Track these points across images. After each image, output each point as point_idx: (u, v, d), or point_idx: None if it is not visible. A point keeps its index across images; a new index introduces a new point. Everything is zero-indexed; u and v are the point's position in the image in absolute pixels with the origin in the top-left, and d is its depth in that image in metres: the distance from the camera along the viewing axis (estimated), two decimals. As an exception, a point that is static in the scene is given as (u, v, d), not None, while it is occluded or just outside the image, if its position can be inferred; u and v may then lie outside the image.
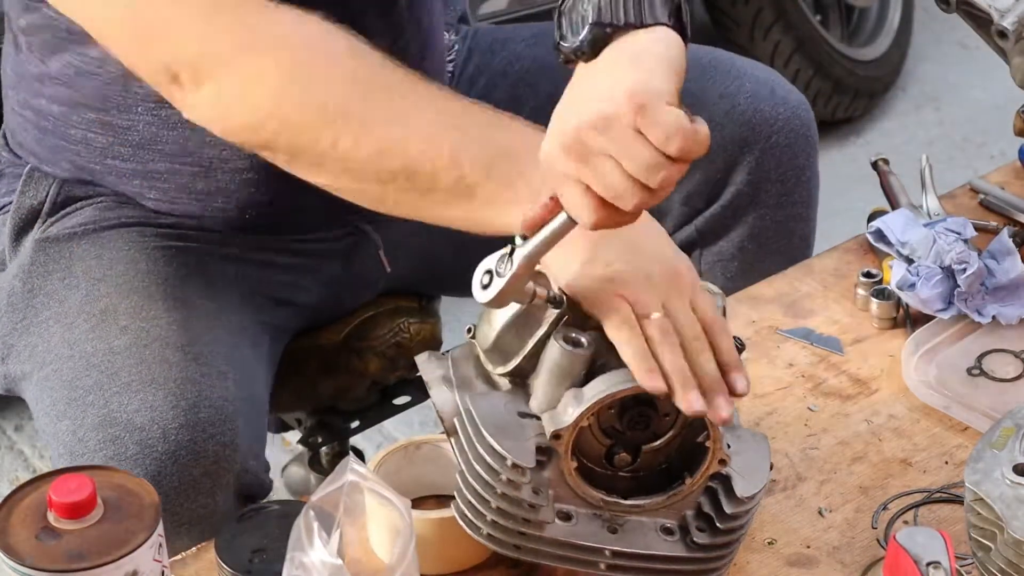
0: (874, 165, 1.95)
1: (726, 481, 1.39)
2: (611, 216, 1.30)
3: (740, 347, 1.41)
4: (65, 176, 1.74)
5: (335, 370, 1.90)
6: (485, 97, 1.87)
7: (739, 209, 1.85)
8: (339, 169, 1.45)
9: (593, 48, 1.34)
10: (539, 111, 1.86)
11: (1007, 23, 1.72)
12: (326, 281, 1.82)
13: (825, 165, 3.59)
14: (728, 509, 1.38)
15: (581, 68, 1.36)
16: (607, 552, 1.39)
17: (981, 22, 1.76)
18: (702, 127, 1.29)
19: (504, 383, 1.40)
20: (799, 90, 3.76)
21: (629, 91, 1.28)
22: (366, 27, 1.59)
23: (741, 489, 1.38)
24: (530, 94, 1.89)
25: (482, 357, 1.42)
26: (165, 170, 1.70)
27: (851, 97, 3.71)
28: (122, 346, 1.59)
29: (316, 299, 1.83)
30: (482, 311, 1.42)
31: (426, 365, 1.43)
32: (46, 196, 1.74)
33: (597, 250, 1.37)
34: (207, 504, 1.54)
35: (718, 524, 1.39)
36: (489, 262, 1.36)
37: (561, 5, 1.38)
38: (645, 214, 1.35)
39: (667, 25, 1.35)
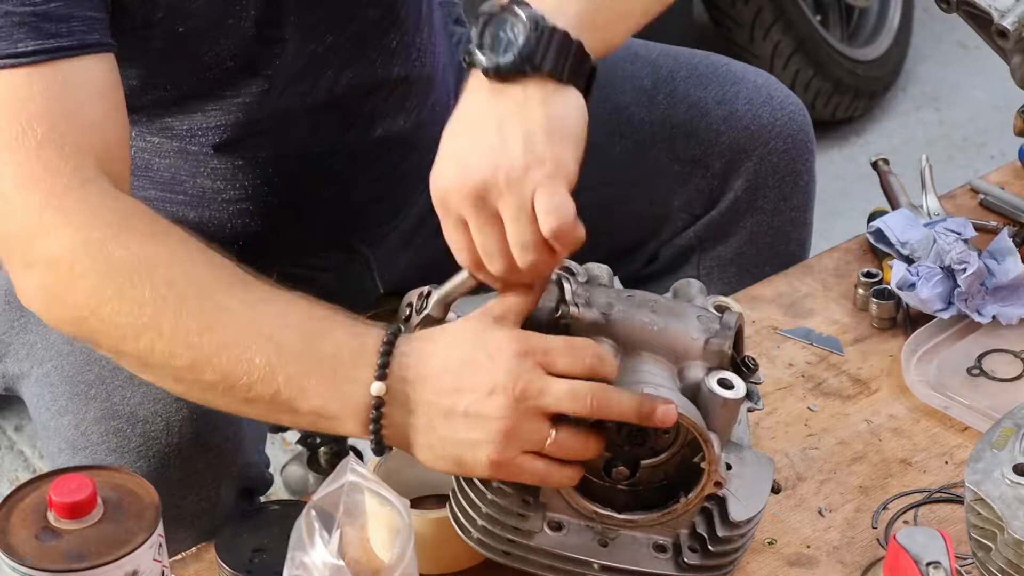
0: (874, 165, 1.95)
1: (722, 503, 1.37)
2: (483, 268, 1.32)
3: (754, 367, 1.40)
4: None
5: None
6: None
7: (737, 215, 1.84)
8: (162, 374, 1.39)
9: (505, 77, 1.31)
10: None
11: (1007, 23, 1.72)
12: (320, 295, 1.82)
13: (825, 165, 3.61)
14: (721, 532, 1.37)
15: (486, 92, 1.32)
16: (596, 565, 1.38)
17: (981, 22, 1.76)
18: (580, 230, 1.30)
19: None
20: (799, 91, 3.77)
21: (538, 160, 1.28)
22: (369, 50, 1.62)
23: (735, 513, 1.37)
24: None
25: None
26: (156, 198, 1.69)
27: (851, 97, 3.70)
28: None
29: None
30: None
31: None
32: None
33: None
34: (210, 497, 1.54)
35: (710, 547, 1.38)
36: (411, 296, 1.38)
37: (485, 6, 1.34)
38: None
39: (580, 90, 1.34)
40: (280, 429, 2.12)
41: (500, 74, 1.31)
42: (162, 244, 1.38)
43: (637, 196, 1.83)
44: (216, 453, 1.53)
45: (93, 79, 1.43)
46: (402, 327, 1.37)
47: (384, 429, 1.33)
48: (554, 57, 1.31)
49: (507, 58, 1.31)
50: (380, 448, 1.34)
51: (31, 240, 1.39)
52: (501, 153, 1.29)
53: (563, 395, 1.30)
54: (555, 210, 1.28)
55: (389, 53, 1.70)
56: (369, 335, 1.35)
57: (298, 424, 1.39)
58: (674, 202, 1.83)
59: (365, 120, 1.71)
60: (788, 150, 1.84)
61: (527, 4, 1.32)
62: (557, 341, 1.32)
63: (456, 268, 1.38)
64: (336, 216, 1.76)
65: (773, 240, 1.87)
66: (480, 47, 1.32)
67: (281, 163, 1.69)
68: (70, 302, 1.38)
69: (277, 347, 1.33)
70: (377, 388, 1.32)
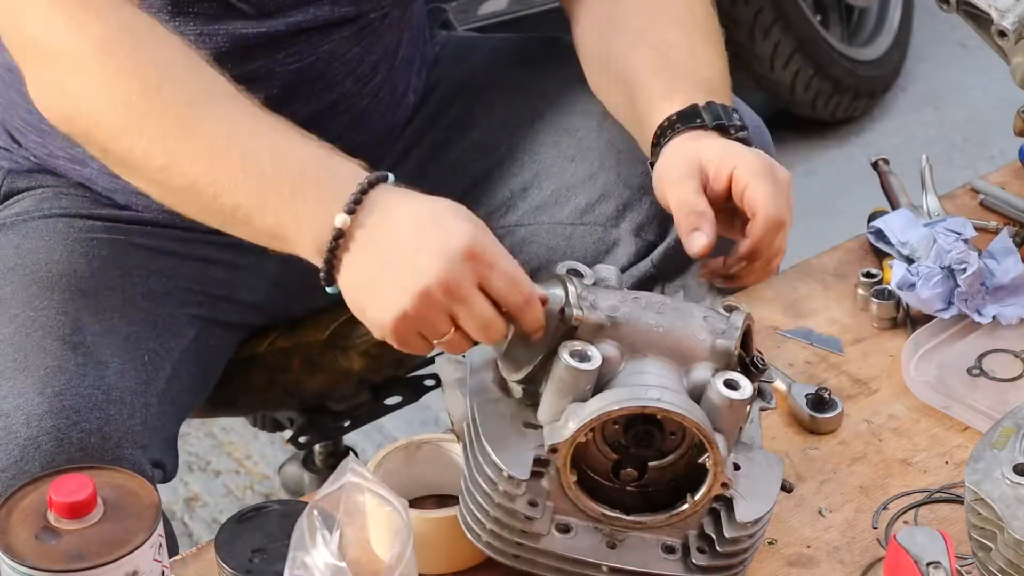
0: (874, 165, 1.95)
1: (729, 504, 1.37)
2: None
3: (763, 367, 1.40)
4: (14, 166, 1.75)
5: (319, 368, 1.90)
6: (440, 111, 1.87)
7: None
8: (140, 176, 1.47)
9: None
10: (489, 133, 1.86)
11: (1007, 23, 1.72)
12: (268, 280, 1.82)
13: (825, 165, 3.62)
14: (728, 533, 1.37)
15: None
16: (604, 567, 1.38)
17: (981, 22, 1.76)
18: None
19: (518, 390, 1.40)
20: (799, 91, 3.77)
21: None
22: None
23: (743, 513, 1.37)
24: (483, 113, 1.88)
25: (499, 363, 1.42)
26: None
27: (851, 97, 3.70)
28: (6, 335, 1.59)
29: (262, 298, 1.82)
30: None
31: (444, 367, 1.44)
32: None
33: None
34: None
35: (718, 547, 1.38)
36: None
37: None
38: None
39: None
40: (277, 428, 2.12)
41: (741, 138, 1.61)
42: (158, 50, 1.45)
43: (589, 219, 1.80)
44: (78, 448, 1.52)
45: None
46: (390, 176, 1.42)
47: (335, 261, 1.40)
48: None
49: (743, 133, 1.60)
50: (329, 279, 1.41)
51: (39, 38, 1.48)
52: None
53: (476, 320, 1.37)
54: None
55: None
56: (342, 166, 1.42)
57: (257, 240, 1.45)
58: (625, 226, 1.79)
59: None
60: None
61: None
62: (504, 263, 1.37)
63: None
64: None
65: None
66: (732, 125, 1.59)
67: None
68: (66, 97, 1.47)
69: (244, 161, 1.41)
70: (341, 220, 1.38)
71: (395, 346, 1.41)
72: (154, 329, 1.68)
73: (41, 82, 1.50)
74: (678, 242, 1.72)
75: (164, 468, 1.63)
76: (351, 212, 1.39)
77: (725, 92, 1.64)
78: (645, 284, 1.78)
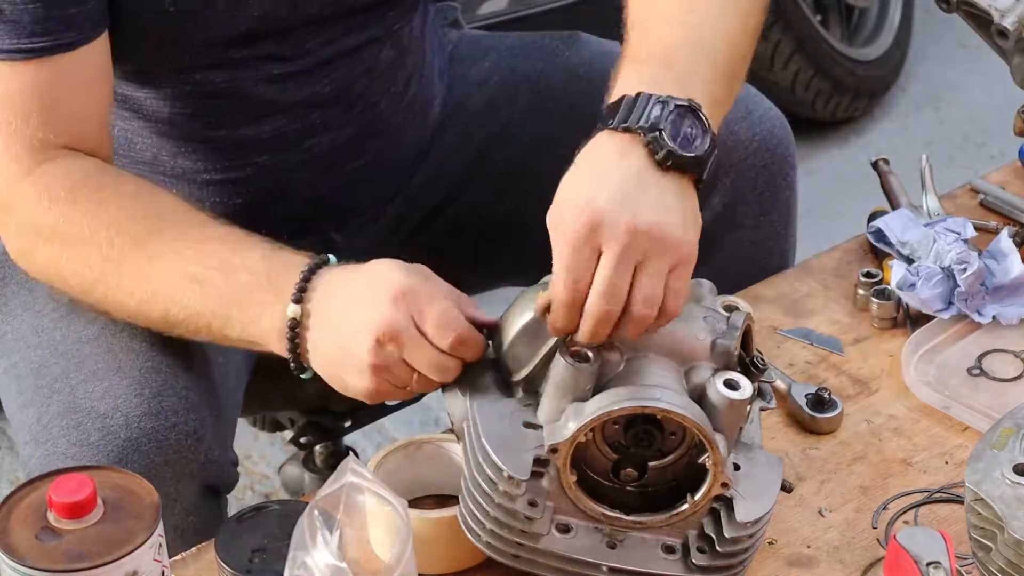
0: (874, 165, 1.95)
1: (729, 504, 1.37)
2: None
3: (763, 367, 1.40)
4: None
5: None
6: (459, 107, 1.87)
7: (717, 232, 1.80)
8: (119, 315, 1.57)
9: (673, 166, 1.39)
10: (513, 124, 1.86)
11: (1007, 23, 1.72)
12: None
13: (825, 165, 3.62)
14: (728, 533, 1.37)
15: (649, 167, 1.37)
16: (604, 567, 1.38)
17: (981, 22, 1.76)
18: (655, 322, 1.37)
19: (518, 391, 1.40)
20: (799, 91, 3.77)
21: (687, 241, 1.39)
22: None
23: (743, 513, 1.37)
24: (506, 105, 1.88)
25: (500, 363, 1.42)
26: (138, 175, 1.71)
27: (851, 97, 3.70)
28: (90, 335, 1.60)
29: None
30: (500, 319, 1.42)
31: None
32: None
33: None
34: (168, 493, 1.54)
35: (718, 547, 1.38)
36: None
37: (665, 87, 1.40)
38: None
39: None
40: (278, 428, 2.12)
41: (673, 160, 1.38)
42: (106, 209, 1.54)
43: None
44: (175, 449, 1.54)
45: (74, 73, 1.55)
46: (331, 258, 1.50)
47: (300, 349, 1.48)
48: (711, 167, 1.42)
49: (688, 155, 1.39)
50: (299, 367, 1.49)
51: (4, 214, 1.58)
52: (662, 213, 1.36)
53: (426, 363, 1.42)
54: (675, 294, 1.36)
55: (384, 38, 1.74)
56: (286, 262, 1.50)
57: (240, 346, 1.55)
58: None
59: (347, 107, 1.75)
60: (767, 165, 1.81)
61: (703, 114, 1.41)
62: (435, 306, 1.41)
63: None
64: (312, 200, 1.78)
65: (755, 255, 1.85)
66: (659, 131, 1.38)
67: (260, 146, 1.73)
68: (36, 266, 1.59)
69: (201, 286, 1.51)
70: (292, 310, 1.47)
71: (386, 402, 1.48)
72: None
73: (12, 251, 1.61)
74: (702, 232, 1.71)
75: (237, 466, 1.67)
76: (298, 301, 1.47)
77: (695, 61, 1.48)
78: None
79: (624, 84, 1.44)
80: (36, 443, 1.56)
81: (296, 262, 1.50)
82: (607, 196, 1.35)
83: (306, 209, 1.79)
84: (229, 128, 1.71)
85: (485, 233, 1.89)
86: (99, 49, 1.57)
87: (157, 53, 1.65)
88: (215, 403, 1.62)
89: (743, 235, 1.83)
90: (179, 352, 1.60)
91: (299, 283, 1.47)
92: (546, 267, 1.39)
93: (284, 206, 1.77)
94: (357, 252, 1.82)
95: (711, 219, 1.81)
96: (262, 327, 1.49)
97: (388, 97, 1.78)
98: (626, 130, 1.39)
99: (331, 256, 1.51)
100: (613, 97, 1.43)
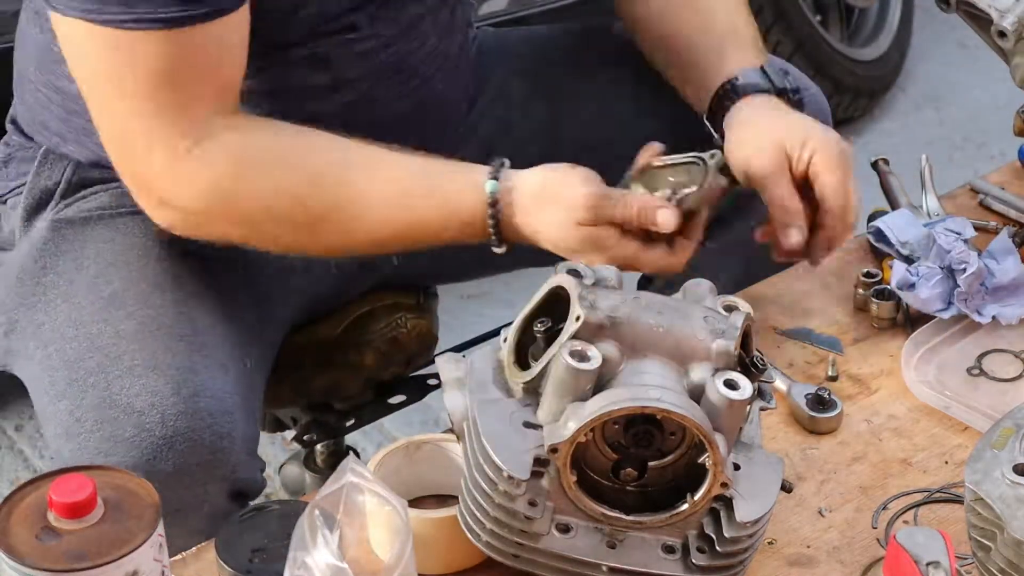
0: (874, 165, 1.95)
1: (729, 504, 1.37)
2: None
3: (763, 367, 1.40)
4: (82, 159, 1.75)
5: (331, 364, 1.91)
6: (498, 102, 1.89)
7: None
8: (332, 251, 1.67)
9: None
10: (554, 75, 1.89)
11: (1007, 23, 1.72)
12: (330, 266, 1.83)
13: (825, 165, 3.61)
14: (728, 533, 1.37)
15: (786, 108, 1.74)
16: (604, 567, 1.38)
17: (981, 22, 1.76)
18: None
19: (518, 391, 1.40)
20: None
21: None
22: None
23: (742, 513, 1.37)
24: (542, 96, 1.91)
25: (505, 363, 1.42)
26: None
27: (851, 97, 3.70)
28: (128, 331, 1.60)
29: (321, 287, 1.84)
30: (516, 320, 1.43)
31: (445, 366, 1.44)
32: (61, 177, 1.76)
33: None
34: (198, 494, 1.55)
35: (718, 547, 1.38)
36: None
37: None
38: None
39: None
40: (279, 428, 2.12)
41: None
42: (279, 176, 1.59)
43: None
44: (209, 450, 1.54)
45: (221, 39, 1.56)
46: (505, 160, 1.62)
47: (502, 224, 1.58)
48: None
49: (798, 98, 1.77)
50: (500, 240, 1.60)
51: (162, 187, 1.59)
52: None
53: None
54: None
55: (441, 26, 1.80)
56: (463, 164, 1.62)
57: (439, 227, 1.61)
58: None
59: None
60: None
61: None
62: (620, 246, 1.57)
63: None
64: None
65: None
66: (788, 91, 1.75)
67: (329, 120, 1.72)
68: (204, 234, 1.62)
69: (406, 198, 1.59)
70: (492, 186, 1.58)
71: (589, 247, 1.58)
72: (244, 334, 1.70)
73: (169, 222, 1.62)
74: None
75: (264, 470, 1.67)
76: (495, 178, 1.58)
77: (764, 50, 1.79)
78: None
79: (740, 61, 1.75)
80: (68, 436, 1.56)
81: (471, 164, 1.62)
82: (815, 127, 1.68)
83: None
84: (297, 102, 1.71)
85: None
86: (244, 15, 1.58)
87: (276, 26, 1.65)
88: (248, 407, 1.62)
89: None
90: (217, 354, 1.61)
91: (492, 171, 1.60)
92: None
93: None
94: None
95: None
96: (465, 184, 1.59)
97: (442, 73, 1.80)
98: (778, 93, 1.73)
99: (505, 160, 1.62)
100: (734, 72, 1.72)
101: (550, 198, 1.58)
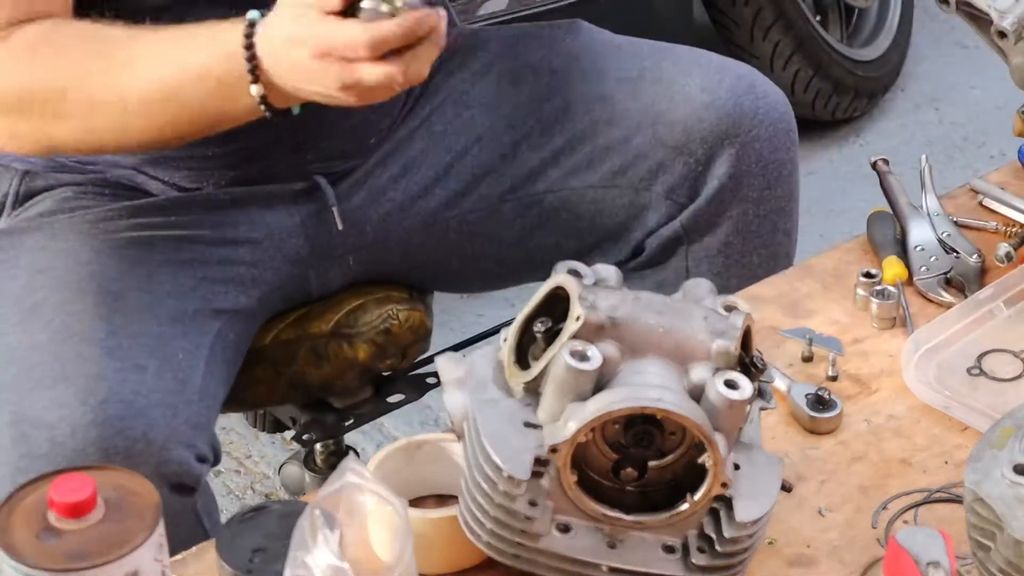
0: (874, 165, 1.95)
1: (729, 504, 1.37)
2: None
3: (763, 367, 1.40)
4: (27, 168, 1.76)
5: (324, 358, 1.91)
6: (462, 95, 1.89)
7: (723, 204, 1.86)
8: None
9: None
10: (520, 107, 1.87)
11: (1007, 23, 1.72)
12: (289, 258, 1.83)
13: (825, 165, 3.61)
14: (728, 533, 1.37)
15: None
16: (604, 567, 1.38)
17: (981, 22, 1.76)
18: None
19: (518, 391, 1.40)
20: (799, 91, 3.77)
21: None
22: None
23: (742, 514, 1.37)
24: (510, 91, 1.90)
25: (505, 363, 1.42)
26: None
27: (851, 97, 3.70)
28: (42, 341, 1.60)
29: (282, 278, 1.84)
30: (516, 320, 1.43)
31: (445, 365, 1.44)
32: (8, 189, 1.77)
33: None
34: None
35: (718, 547, 1.38)
36: None
37: None
38: None
39: None
40: (279, 428, 2.12)
41: None
42: (63, 66, 1.60)
43: (622, 182, 1.86)
44: (123, 456, 1.53)
45: None
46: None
47: (259, 71, 1.55)
48: None
49: None
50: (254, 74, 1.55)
51: None
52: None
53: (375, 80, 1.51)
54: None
55: None
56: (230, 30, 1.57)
57: (238, 119, 1.61)
58: (657, 188, 1.85)
59: None
60: (771, 138, 1.86)
61: None
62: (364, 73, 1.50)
63: None
64: (301, 139, 1.79)
65: (759, 229, 1.89)
66: None
67: None
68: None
69: (175, 97, 1.58)
70: (253, 14, 1.54)
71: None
72: (183, 326, 1.69)
73: None
74: (706, 203, 1.82)
75: (208, 460, 1.65)
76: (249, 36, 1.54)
77: None
78: (669, 246, 1.85)
79: None
80: None
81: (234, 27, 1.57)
82: None
83: (298, 151, 1.80)
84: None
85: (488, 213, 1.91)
86: None
87: None
88: (173, 401, 1.60)
89: (747, 208, 1.87)
90: (132, 354, 1.60)
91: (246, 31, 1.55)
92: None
93: (272, 143, 1.77)
94: (345, 200, 1.83)
95: (716, 190, 1.85)
96: (226, 61, 1.55)
97: None
98: None
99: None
100: None
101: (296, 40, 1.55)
